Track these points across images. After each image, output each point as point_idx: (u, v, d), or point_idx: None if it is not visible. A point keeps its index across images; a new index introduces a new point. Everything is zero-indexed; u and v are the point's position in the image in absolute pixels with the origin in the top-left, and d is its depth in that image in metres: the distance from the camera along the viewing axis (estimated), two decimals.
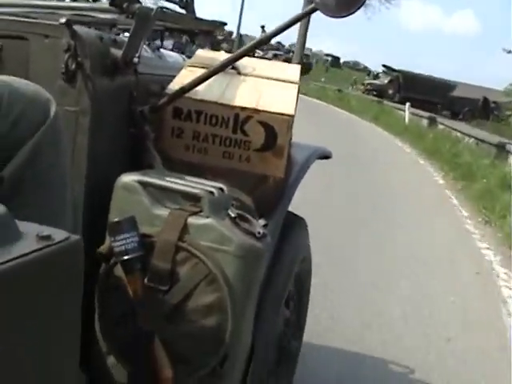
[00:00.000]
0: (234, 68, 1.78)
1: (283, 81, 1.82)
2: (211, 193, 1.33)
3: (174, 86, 1.65)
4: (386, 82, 34.21)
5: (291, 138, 1.76)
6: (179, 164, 1.62)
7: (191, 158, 1.66)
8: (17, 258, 0.57)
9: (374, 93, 32.60)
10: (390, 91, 32.35)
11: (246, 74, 1.81)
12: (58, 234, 0.62)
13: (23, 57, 1.45)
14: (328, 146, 2.37)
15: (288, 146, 1.67)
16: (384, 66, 38.21)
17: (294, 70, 1.95)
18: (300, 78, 1.83)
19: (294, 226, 1.99)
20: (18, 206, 0.98)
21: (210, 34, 1.98)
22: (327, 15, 1.45)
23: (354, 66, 66.95)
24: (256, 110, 1.62)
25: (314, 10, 1.47)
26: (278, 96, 1.71)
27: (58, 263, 0.61)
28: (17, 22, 1.49)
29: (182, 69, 1.82)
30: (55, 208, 1.05)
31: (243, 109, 1.62)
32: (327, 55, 62.07)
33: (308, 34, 29.35)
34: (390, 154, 12.00)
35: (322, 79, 38.48)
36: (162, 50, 1.99)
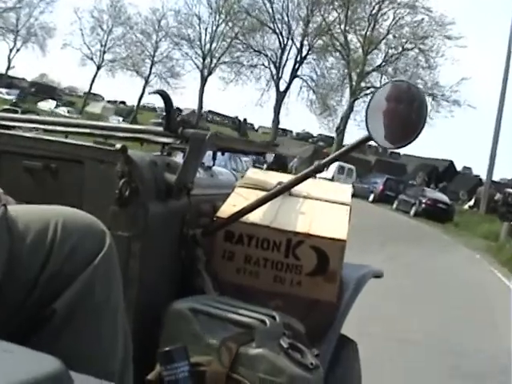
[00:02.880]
0: None
1: (335, 202, 1.83)
2: (263, 322, 1.31)
3: (226, 209, 1.66)
4: None
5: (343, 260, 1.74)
6: (230, 286, 1.61)
7: (242, 281, 1.65)
8: None
9: None
10: None
11: (297, 195, 1.83)
12: None
13: (78, 180, 1.46)
14: None
15: (340, 270, 1.66)
16: None
17: (345, 191, 1.95)
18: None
19: (344, 348, 1.94)
20: (69, 341, 0.97)
21: (262, 154, 2.01)
22: (380, 145, 1.47)
23: None
24: (308, 235, 1.61)
25: (368, 140, 1.49)
26: (330, 220, 1.70)
27: None
28: (73, 145, 1.50)
29: (233, 186, 1.84)
30: (106, 342, 1.03)
31: (295, 233, 1.62)
32: None
33: None
34: None
35: None
36: (213, 167, 2.03)
